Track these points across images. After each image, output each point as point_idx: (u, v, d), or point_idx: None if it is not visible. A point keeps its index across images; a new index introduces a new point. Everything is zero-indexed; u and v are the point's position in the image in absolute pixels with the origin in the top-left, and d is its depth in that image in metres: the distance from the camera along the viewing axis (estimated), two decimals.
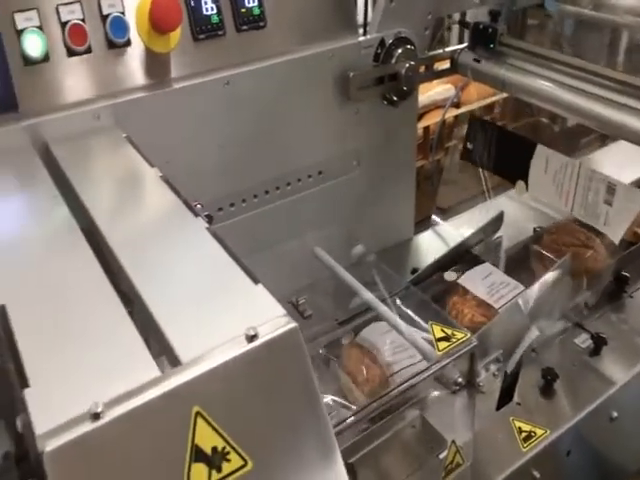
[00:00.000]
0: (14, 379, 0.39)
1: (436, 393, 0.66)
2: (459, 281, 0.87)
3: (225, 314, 0.44)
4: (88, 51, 0.76)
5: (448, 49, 1.18)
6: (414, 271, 0.97)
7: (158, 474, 0.36)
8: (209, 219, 0.61)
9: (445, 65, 1.18)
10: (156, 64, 0.82)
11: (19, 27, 0.71)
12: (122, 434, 0.36)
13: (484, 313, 0.84)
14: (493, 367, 0.68)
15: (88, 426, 0.35)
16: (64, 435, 0.34)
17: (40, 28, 0.73)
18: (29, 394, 0.37)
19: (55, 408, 0.36)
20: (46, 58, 0.73)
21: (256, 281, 0.48)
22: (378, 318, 0.78)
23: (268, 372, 0.41)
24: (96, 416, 0.35)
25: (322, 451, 0.41)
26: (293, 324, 0.43)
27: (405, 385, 0.61)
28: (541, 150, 1.00)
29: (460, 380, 0.62)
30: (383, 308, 0.74)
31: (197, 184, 0.81)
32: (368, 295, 0.77)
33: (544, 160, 1.00)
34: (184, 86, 0.83)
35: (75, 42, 0.75)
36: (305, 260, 0.89)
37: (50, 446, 0.33)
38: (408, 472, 0.63)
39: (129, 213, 0.59)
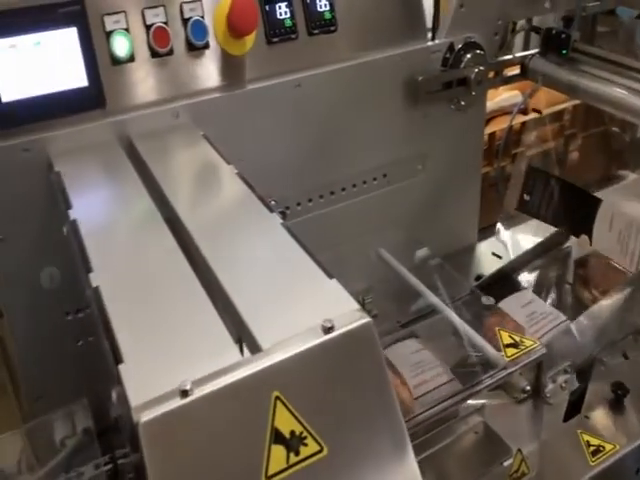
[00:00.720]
0: (108, 355, 0.41)
1: (499, 401, 0.66)
2: (500, 305, 0.85)
3: (302, 305, 0.46)
4: (170, 53, 0.80)
5: (518, 54, 1.16)
6: (478, 278, 0.96)
7: (241, 451, 0.37)
8: (283, 215, 0.63)
9: (514, 71, 1.17)
10: (232, 66, 0.85)
11: (108, 29, 0.75)
12: (208, 411, 0.37)
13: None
14: (560, 379, 0.67)
15: (178, 402, 0.37)
16: (156, 409, 0.36)
17: (127, 30, 0.76)
18: (123, 369, 0.39)
19: (147, 384, 0.38)
20: (131, 58, 0.77)
21: (330, 276, 0.49)
22: (441, 321, 0.78)
23: (343, 363, 0.42)
24: (185, 393, 0.37)
25: (394, 445, 0.41)
26: (367, 318, 0.44)
27: (468, 391, 0.61)
28: (606, 207, 0.97)
29: (528, 388, 0.61)
30: (448, 311, 0.74)
31: (266, 182, 0.82)
32: (433, 298, 0.76)
33: (609, 218, 0.97)
34: (257, 87, 0.85)
35: (158, 44, 0.79)
36: (369, 261, 0.90)
37: (145, 417, 0.35)
38: (471, 478, 0.62)
39: (208, 206, 0.61)
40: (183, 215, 0.57)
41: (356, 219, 0.97)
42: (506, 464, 0.63)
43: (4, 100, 0.66)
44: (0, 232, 0.67)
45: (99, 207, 0.60)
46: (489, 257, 1.09)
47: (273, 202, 0.75)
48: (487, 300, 0.84)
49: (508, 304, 0.84)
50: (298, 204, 0.92)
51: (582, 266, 0.99)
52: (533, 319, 0.81)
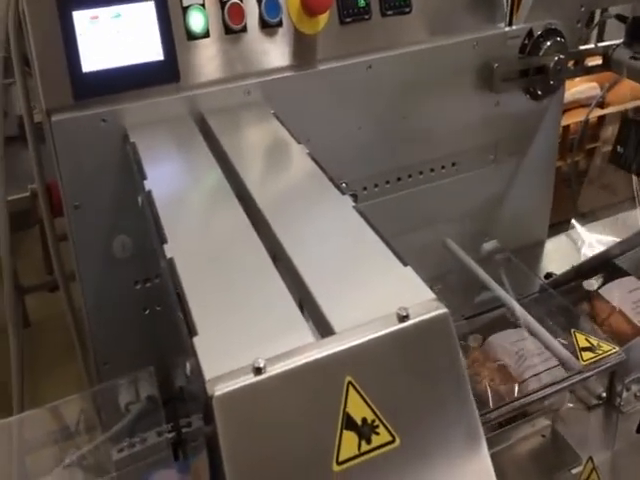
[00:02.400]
0: (181, 326, 0.41)
1: (570, 405, 0.63)
2: (600, 292, 0.81)
3: (376, 292, 0.44)
4: (243, 30, 0.79)
5: (601, 44, 1.11)
6: (548, 276, 0.92)
7: (312, 433, 0.37)
8: (354, 198, 0.61)
9: (596, 61, 1.11)
10: (304, 45, 0.83)
11: (185, 4, 0.75)
12: (280, 390, 0.37)
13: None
14: (635, 387, 0.63)
15: (251, 378, 0.36)
16: (230, 383, 0.36)
17: (203, 6, 0.76)
18: (198, 342, 0.39)
19: (221, 358, 0.38)
20: (206, 34, 0.77)
21: (405, 263, 0.47)
22: (506, 318, 0.75)
23: (417, 353, 0.41)
24: (258, 370, 0.36)
25: (468, 439, 0.39)
26: (444, 309, 0.42)
27: (541, 393, 0.58)
28: None
29: (604, 395, 0.58)
30: (517, 307, 0.71)
31: (332, 164, 0.81)
32: (501, 292, 0.73)
33: None
34: (329, 68, 0.84)
35: (233, 21, 0.78)
36: (434, 251, 0.88)
37: (219, 391, 0.35)
38: None
39: (279, 184, 0.60)
40: (254, 192, 0.56)
41: (422, 207, 0.95)
42: (574, 471, 0.60)
43: (85, 70, 0.67)
44: (76, 199, 0.68)
45: (173, 179, 0.60)
46: (559, 255, 1.04)
47: (344, 184, 0.73)
48: (589, 285, 0.80)
49: (612, 289, 0.80)
50: (364, 189, 0.91)
51: None
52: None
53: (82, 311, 0.74)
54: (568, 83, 1.18)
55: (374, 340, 0.39)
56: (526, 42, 0.96)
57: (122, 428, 0.60)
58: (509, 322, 0.74)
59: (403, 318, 0.41)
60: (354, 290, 0.45)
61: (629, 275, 0.84)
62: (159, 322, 0.75)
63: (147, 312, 0.76)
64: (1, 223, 0.87)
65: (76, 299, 0.83)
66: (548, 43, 0.96)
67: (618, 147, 1.02)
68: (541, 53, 0.96)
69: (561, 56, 0.96)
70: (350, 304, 0.43)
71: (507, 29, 0.95)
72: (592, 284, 0.81)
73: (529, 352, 0.65)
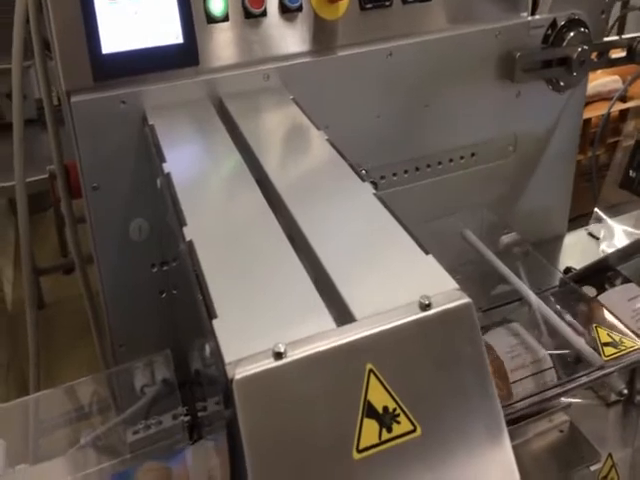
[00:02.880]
0: (201, 310, 0.41)
1: (586, 401, 0.62)
2: (600, 298, 0.79)
3: (397, 279, 0.44)
4: (263, 14, 0.78)
5: (625, 36, 1.08)
6: (567, 271, 0.91)
7: (332, 420, 0.36)
8: (375, 186, 0.61)
9: (620, 54, 1.09)
10: (323, 31, 0.82)
11: None
12: (301, 376, 0.36)
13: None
14: None
15: (271, 363, 0.36)
16: (251, 367, 0.35)
17: None
18: (217, 325, 0.39)
19: (241, 341, 0.37)
20: (226, 18, 0.76)
21: (426, 252, 0.47)
22: (524, 310, 0.74)
23: (439, 343, 0.40)
24: (279, 355, 0.36)
25: (490, 431, 0.39)
26: (467, 299, 0.41)
27: (559, 389, 0.57)
28: None
29: (625, 392, 0.57)
30: (537, 301, 0.70)
31: (352, 152, 0.81)
32: (520, 285, 0.72)
33: None
34: (348, 54, 0.83)
35: (253, 5, 0.77)
36: (452, 242, 0.87)
37: (239, 374, 0.35)
38: (553, 478, 0.59)
39: (298, 169, 0.60)
40: (273, 176, 0.56)
41: (441, 198, 0.94)
42: (593, 468, 0.59)
43: (105, 51, 0.67)
44: (95, 180, 0.68)
45: (191, 162, 0.60)
46: (578, 249, 1.03)
47: (364, 171, 0.73)
48: (587, 290, 0.78)
49: (610, 297, 0.79)
50: (382, 177, 0.90)
51: None
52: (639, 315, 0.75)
53: (99, 293, 0.75)
54: (589, 76, 1.16)
55: (396, 328, 0.39)
56: (549, 32, 0.94)
57: (137, 410, 0.60)
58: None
59: (425, 307, 0.40)
60: (375, 277, 0.44)
61: (630, 282, 0.82)
62: (175, 306, 0.75)
63: (163, 295, 0.76)
64: (21, 204, 0.88)
65: (92, 281, 0.83)
66: (572, 34, 0.94)
67: (630, 171, 1.00)
68: (564, 44, 0.94)
69: (585, 47, 0.94)
70: (371, 291, 0.42)
71: (530, 18, 0.93)
72: (591, 289, 0.79)
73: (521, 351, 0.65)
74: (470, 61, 0.90)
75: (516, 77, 0.93)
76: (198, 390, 0.61)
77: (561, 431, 0.61)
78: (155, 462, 0.57)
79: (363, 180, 0.56)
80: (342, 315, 0.41)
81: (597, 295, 0.81)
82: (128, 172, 0.69)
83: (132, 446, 0.59)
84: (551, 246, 1.05)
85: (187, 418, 0.57)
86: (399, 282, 0.43)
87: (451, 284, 0.43)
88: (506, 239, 0.87)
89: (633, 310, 0.77)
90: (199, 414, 0.55)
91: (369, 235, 0.49)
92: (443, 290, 0.41)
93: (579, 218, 1.11)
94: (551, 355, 0.64)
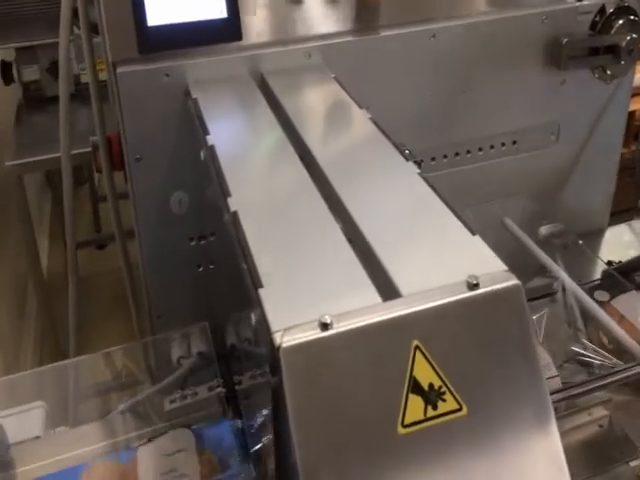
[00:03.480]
0: (247, 280, 0.41)
1: (624, 397, 0.60)
2: (612, 303, 0.76)
3: (444, 258, 0.43)
4: None
5: None
6: (609, 264, 0.88)
7: (377, 394, 0.36)
8: (418, 166, 0.60)
9: None
10: (366, 10, 0.81)
11: None
12: (347, 348, 0.36)
13: None
14: None
15: (318, 333, 0.35)
16: (297, 337, 0.35)
17: None
18: (264, 294, 0.38)
19: (287, 311, 0.37)
20: None
21: (473, 232, 0.46)
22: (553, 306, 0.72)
23: (487, 324, 0.39)
24: (325, 326, 0.36)
25: (538, 417, 0.38)
26: (516, 281, 0.40)
27: (600, 382, 0.56)
28: None
29: None
30: (580, 293, 0.68)
31: (390, 134, 0.80)
32: (563, 276, 0.71)
33: None
34: (391, 34, 0.81)
35: None
36: (491, 230, 0.85)
37: (287, 343, 0.35)
38: (591, 472, 0.58)
39: (341, 146, 0.59)
40: (316, 152, 0.55)
41: (479, 185, 0.92)
42: (633, 464, 0.58)
43: (150, 24, 0.67)
44: (138, 152, 0.69)
45: (235, 135, 0.60)
46: (619, 245, 1.00)
47: (407, 151, 0.72)
48: (600, 295, 0.76)
49: (627, 300, 0.76)
50: (421, 162, 0.89)
51: None
52: None
53: (137, 265, 0.75)
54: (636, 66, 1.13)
55: (443, 306, 0.38)
56: (597, 19, 0.91)
57: (173, 380, 0.61)
58: None
59: (473, 286, 0.39)
60: (421, 254, 0.43)
61: None
62: (212, 280, 0.76)
63: (200, 269, 0.76)
64: (66, 177, 0.89)
65: (130, 254, 0.84)
66: (620, 21, 0.91)
67: None
68: (612, 31, 0.91)
69: (634, 35, 0.91)
70: (417, 268, 0.42)
71: (578, 4, 0.90)
72: (604, 295, 0.76)
73: None
74: (515, 46, 0.88)
75: (562, 64, 0.90)
76: (234, 364, 0.62)
77: (600, 426, 0.59)
78: (106, 460, 0.57)
79: (407, 159, 0.55)
80: (387, 291, 0.40)
81: (610, 299, 0.78)
82: (170, 145, 0.69)
83: (169, 414, 0.59)
84: (592, 239, 1.02)
85: (222, 390, 0.57)
86: (446, 260, 0.42)
87: (500, 265, 0.42)
88: (546, 230, 0.85)
89: None
90: (236, 387, 0.55)
91: (414, 213, 0.48)
92: (491, 271, 0.41)
93: (620, 213, 1.08)
94: (596, 351, 0.62)
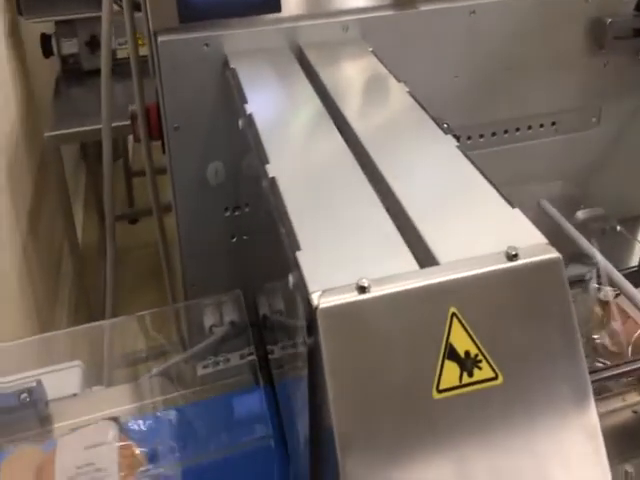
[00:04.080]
0: (286, 242, 0.41)
1: None
2: (617, 300, 0.72)
3: (483, 228, 0.42)
4: None
5: None
6: None
7: (413, 359, 0.36)
8: (457, 139, 0.59)
9: None
10: None
11: None
12: (384, 312, 0.36)
13: None
14: None
15: (355, 296, 0.36)
16: (335, 298, 0.35)
17: None
18: (301, 256, 0.39)
19: (325, 274, 0.37)
20: None
21: (512, 205, 0.45)
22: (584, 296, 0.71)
23: (525, 295, 0.39)
24: (362, 289, 0.36)
25: (575, 391, 0.37)
26: (557, 254, 0.40)
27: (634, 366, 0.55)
28: None
29: None
30: (620, 278, 0.66)
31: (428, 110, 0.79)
32: (602, 260, 0.69)
33: None
34: (430, 9, 0.80)
35: None
36: (527, 212, 0.84)
37: (324, 304, 0.35)
38: (623, 457, 0.57)
39: (380, 119, 0.59)
40: (354, 124, 0.55)
41: (516, 166, 0.90)
42: None
43: None
44: (176, 121, 0.69)
45: (273, 105, 0.60)
46: None
47: (445, 125, 0.71)
48: (604, 295, 0.73)
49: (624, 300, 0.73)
50: (458, 138, 0.88)
51: None
52: None
53: (172, 237, 0.76)
54: None
55: (481, 275, 0.38)
56: None
57: (206, 347, 0.62)
58: None
59: (512, 257, 0.39)
60: (459, 225, 0.43)
61: None
62: (245, 251, 0.76)
63: (234, 240, 0.77)
64: (106, 148, 0.90)
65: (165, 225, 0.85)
66: None
67: None
68: None
69: None
70: (455, 238, 0.41)
71: None
72: (608, 294, 0.74)
73: None
74: (556, 25, 0.86)
75: (605, 44, 0.88)
76: (266, 334, 0.62)
77: (634, 412, 0.58)
78: (29, 446, 0.56)
79: (445, 133, 0.55)
80: (425, 259, 0.40)
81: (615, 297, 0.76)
82: (207, 115, 0.70)
83: (202, 379, 0.61)
84: (631, 226, 1.00)
85: (254, 358, 0.58)
86: (485, 231, 0.42)
87: (540, 238, 0.41)
88: (583, 214, 0.83)
89: None
90: (269, 356, 0.56)
91: (452, 184, 0.48)
92: (531, 243, 0.40)
93: None
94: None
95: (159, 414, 0.57)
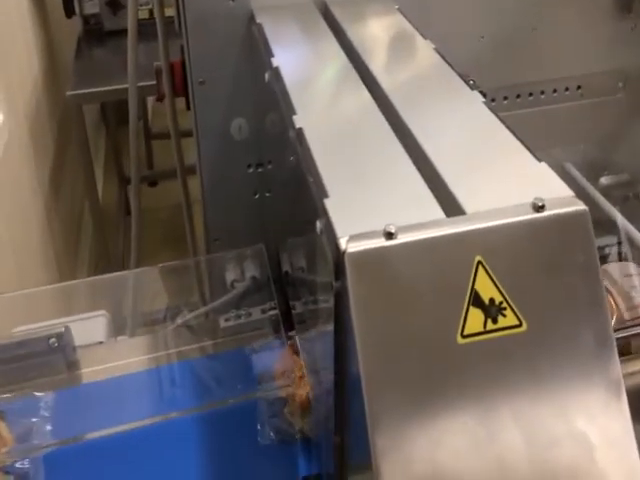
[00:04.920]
0: (313, 191, 0.41)
1: None
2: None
3: (510, 181, 0.42)
4: None
5: None
6: None
7: (438, 305, 0.36)
8: (483, 95, 0.59)
9: None
10: None
11: None
12: (411, 258, 0.36)
13: None
14: None
15: (383, 242, 0.36)
16: (362, 243, 0.36)
17: None
18: (329, 203, 0.39)
19: (352, 220, 0.37)
20: None
21: (539, 159, 0.45)
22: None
23: (551, 246, 0.39)
24: (390, 235, 0.36)
25: (598, 345, 0.38)
26: (583, 206, 0.40)
27: None
28: None
29: None
30: (636, 234, 0.66)
31: None
32: (627, 225, 0.68)
33: None
34: None
35: None
36: None
37: (352, 248, 0.35)
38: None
39: (406, 74, 0.58)
40: (380, 79, 0.55)
41: (540, 130, 0.89)
42: None
43: None
44: (202, 75, 0.69)
45: (299, 59, 0.59)
46: None
47: (471, 82, 0.70)
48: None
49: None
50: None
51: None
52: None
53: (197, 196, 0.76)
54: None
55: (507, 225, 0.38)
56: None
57: (228, 301, 0.63)
58: None
59: (539, 208, 0.39)
60: (486, 177, 0.43)
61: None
62: (268, 208, 0.77)
63: (257, 196, 0.78)
64: (132, 107, 0.91)
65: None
66: None
67: None
68: None
69: None
70: (482, 189, 0.41)
71: None
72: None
73: None
74: None
75: (634, 8, 0.86)
76: (288, 290, 0.63)
77: None
78: None
79: (472, 89, 0.54)
80: (452, 209, 0.40)
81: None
82: (232, 70, 0.69)
83: (224, 331, 0.62)
84: None
85: (276, 313, 0.59)
86: (511, 183, 0.42)
87: (566, 191, 0.41)
88: (607, 180, 0.82)
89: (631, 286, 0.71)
90: (292, 311, 0.57)
91: (479, 138, 0.48)
92: (558, 196, 0.40)
93: None
94: None
95: (36, 394, 0.56)
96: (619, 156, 0.93)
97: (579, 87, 0.90)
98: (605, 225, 0.82)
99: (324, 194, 0.40)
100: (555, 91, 0.90)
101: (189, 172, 0.91)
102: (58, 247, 1.32)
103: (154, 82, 0.84)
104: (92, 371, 0.58)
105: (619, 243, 0.78)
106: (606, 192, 0.84)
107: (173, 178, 0.96)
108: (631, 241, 0.67)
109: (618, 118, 0.94)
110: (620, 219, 0.71)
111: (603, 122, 0.93)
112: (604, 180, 0.85)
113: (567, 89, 0.90)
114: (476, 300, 0.37)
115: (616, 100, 0.92)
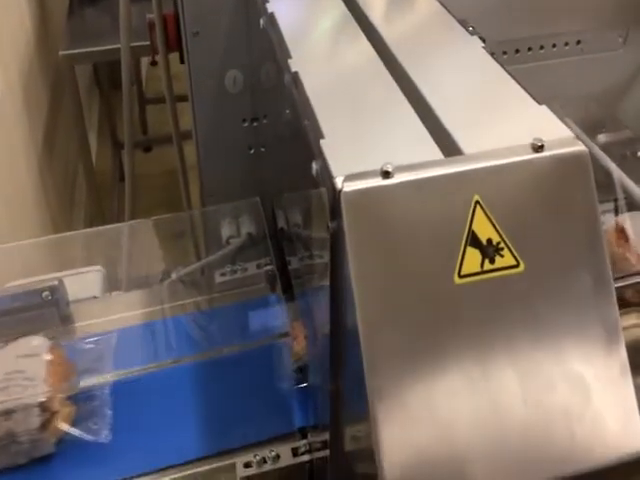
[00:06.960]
0: (309, 133, 0.41)
1: None
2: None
3: (509, 122, 0.42)
4: None
5: None
6: None
7: (436, 245, 0.36)
8: (483, 40, 0.57)
9: None
10: None
11: None
12: (408, 198, 0.36)
13: None
14: None
15: (380, 181, 0.35)
16: (359, 182, 0.35)
17: None
18: (325, 144, 0.38)
19: (348, 160, 0.37)
20: None
21: (539, 102, 0.44)
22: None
23: (550, 187, 0.38)
24: (387, 174, 0.35)
25: (596, 282, 0.37)
26: (583, 147, 0.39)
27: None
28: None
29: None
30: (634, 187, 0.66)
31: None
32: (627, 182, 0.68)
33: None
34: None
35: None
36: None
37: (348, 187, 0.35)
38: (637, 373, 0.58)
39: (405, 22, 0.57)
40: (379, 26, 0.53)
41: (541, 84, 0.87)
42: None
43: None
44: (196, 26, 0.67)
45: (295, 4, 0.58)
46: None
47: (471, 28, 0.68)
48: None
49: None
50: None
51: None
52: None
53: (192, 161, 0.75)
54: None
55: (506, 165, 0.38)
56: None
57: (224, 256, 0.62)
58: None
59: (538, 148, 0.38)
60: (486, 119, 0.42)
61: None
62: (262, 163, 0.76)
63: (252, 151, 0.77)
64: (124, 69, 0.89)
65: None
66: None
67: None
68: None
69: None
70: (481, 130, 0.41)
71: None
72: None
73: None
74: None
75: None
76: (284, 245, 0.63)
77: None
78: None
79: (471, 34, 0.53)
80: (450, 149, 0.39)
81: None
82: (227, 21, 0.68)
83: (219, 286, 0.61)
84: None
85: (271, 268, 0.58)
86: (511, 125, 0.41)
87: (566, 132, 0.41)
88: (606, 137, 0.81)
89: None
90: (288, 267, 0.56)
91: (478, 81, 0.47)
92: (558, 136, 0.39)
93: None
94: None
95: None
96: (619, 113, 0.92)
97: (579, 42, 0.89)
98: (602, 183, 0.81)
99: (320, 135, 0.39)
100: (555, 46, 0.88)
101: (184, 137, 0.89)
102: (53, 209, 1.31)
103: (147, 42, 0.82)
104: (87, 324, 0.57)
105: (615, 200, 0.77)
106: (604, 149, 0.83)
107: (167, 144, 0.95)
108: (629, 196, 0.66)
109: (617, 74, 0.92)
110: (617, 173, 0.70)
111: (603, 78, 0.91)
112: (602, 137, 0.84)
113: (567, 44, 0.88)
114: (474, 240, 0.36)
115: (616, 56, 0.91)
